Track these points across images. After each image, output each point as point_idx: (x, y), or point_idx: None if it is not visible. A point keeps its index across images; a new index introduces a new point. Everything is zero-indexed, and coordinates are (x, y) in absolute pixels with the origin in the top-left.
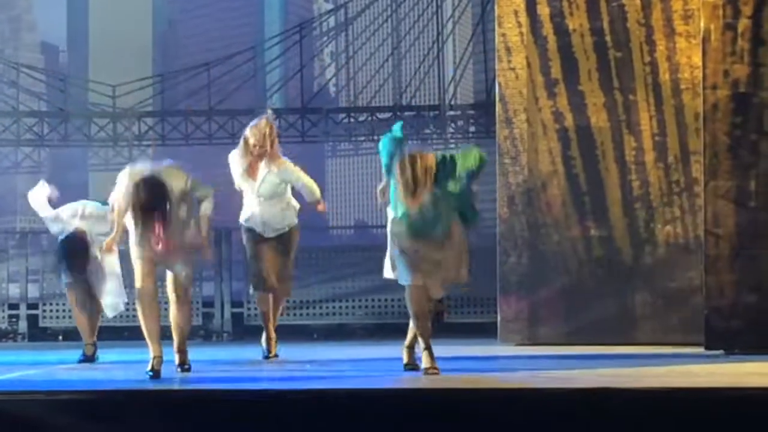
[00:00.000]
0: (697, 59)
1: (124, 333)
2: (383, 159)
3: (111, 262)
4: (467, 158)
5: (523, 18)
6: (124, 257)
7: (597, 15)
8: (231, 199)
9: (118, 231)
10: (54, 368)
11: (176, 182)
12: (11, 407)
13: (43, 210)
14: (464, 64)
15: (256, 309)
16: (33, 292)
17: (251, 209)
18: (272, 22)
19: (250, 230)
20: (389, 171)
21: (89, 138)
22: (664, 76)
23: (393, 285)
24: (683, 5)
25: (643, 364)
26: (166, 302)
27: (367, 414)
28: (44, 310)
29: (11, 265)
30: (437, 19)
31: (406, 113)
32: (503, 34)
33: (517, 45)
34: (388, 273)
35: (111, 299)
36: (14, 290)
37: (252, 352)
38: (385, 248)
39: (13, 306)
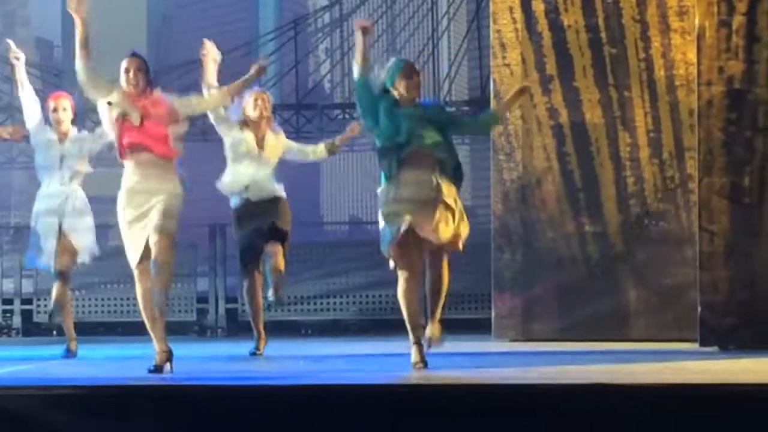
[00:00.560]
0: (692, 56)
1: (118, 329)
2: (360, 110)
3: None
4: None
5: (518, 14)
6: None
7: (592, 11)
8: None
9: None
10: (47, 363)
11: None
12: (4, 402)
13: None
14: (459, 61)
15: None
16: (27, 287)
17: (240, 171)
18: (267, 18)
19: (237, 210)
20: (374, 125)
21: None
22: (659, 73)
23: (387, 281)
24: (678, 2)
25: (637, 361)
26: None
27: (361, 410)
28: (38, 306)
29: (5, 261)
30: (432, 15)
31: None
32: (498, 31)
33: (511, 41)
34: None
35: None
36: (8, 285)
37: (246, 348)
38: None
39: (7, 301)
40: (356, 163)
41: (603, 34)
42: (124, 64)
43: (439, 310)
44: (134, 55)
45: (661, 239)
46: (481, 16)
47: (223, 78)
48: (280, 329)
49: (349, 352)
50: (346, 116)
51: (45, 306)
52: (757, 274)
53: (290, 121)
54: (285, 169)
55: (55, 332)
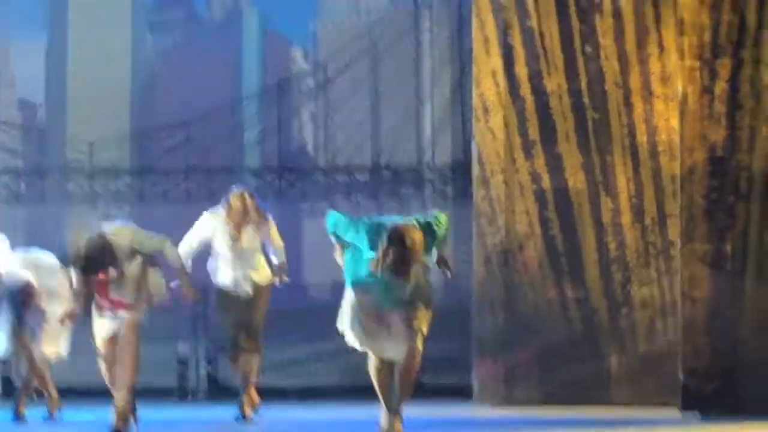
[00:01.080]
0: (675, 122)
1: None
2: (331, 228)
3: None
4: (440, 226)
5: (501, 78)
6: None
7: (575, 76)
8: (205, 256)
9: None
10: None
11: (121, 241)
12: None
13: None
14: (442, 125)
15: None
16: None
17: (226, 266)
18: (250, 79)
19: (221, 293)
20: (339, 237)
21: (66, 195)
22: (642, 138)
23: None
24: (661, 68)
25: (619, 427)
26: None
27: None
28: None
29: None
30: (416, 80)
31: (384, 173)
32: (481, 95)
33: (494, 105)
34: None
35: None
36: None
37: (228, 412)
38: None
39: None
40: None
41: (586, 99)
42: None
43: (402, 403)
44: None
45: (643, 305)
46: (465, 81)
47: (203, 139)
48: (261, 393)
49: (331, 418)
50: (329, 179)
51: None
52: (739, 341)
53: (272, 184)
54: None
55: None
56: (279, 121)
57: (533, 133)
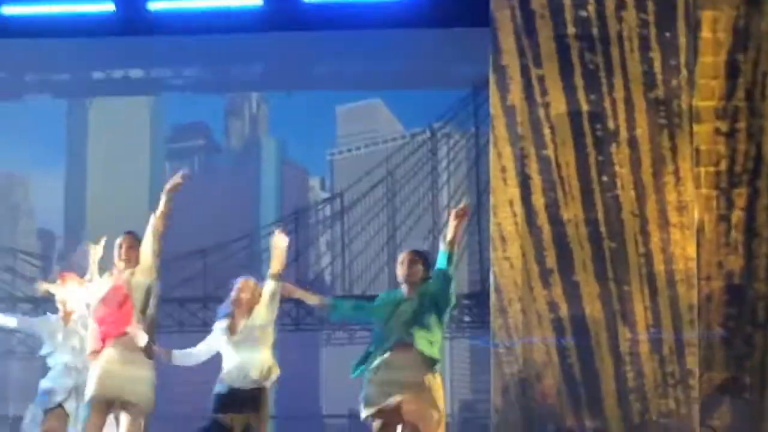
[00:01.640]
0: (692, 250)
1: None
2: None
3: None
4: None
5: (518, 208)
6: None
7: (591, 206)
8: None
9: None
10: None
11: None
12: None
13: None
14: (459, 254)
15: None
16: None
17: (227, 361)
18: (268, 209)
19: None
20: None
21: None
22: (659, 267)
23: None
24: (677, 197)
25: None
26: None
27: None
28: None
29: None
30: (432, 209)
31: None
32: (498, 224)
33: (512, 234)
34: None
35: None
36: None
37: None
38: None
39: None
40: (356, 356)
41: (603, 229)
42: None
43: None
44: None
45: None
46: (482, 210)
47: (221, 269)
48: None
49: None
50: None
51: None
52: None
53: (290, 313)
54: (284, 356)
55: None
56: (297, 251)
57: (550, 262)
